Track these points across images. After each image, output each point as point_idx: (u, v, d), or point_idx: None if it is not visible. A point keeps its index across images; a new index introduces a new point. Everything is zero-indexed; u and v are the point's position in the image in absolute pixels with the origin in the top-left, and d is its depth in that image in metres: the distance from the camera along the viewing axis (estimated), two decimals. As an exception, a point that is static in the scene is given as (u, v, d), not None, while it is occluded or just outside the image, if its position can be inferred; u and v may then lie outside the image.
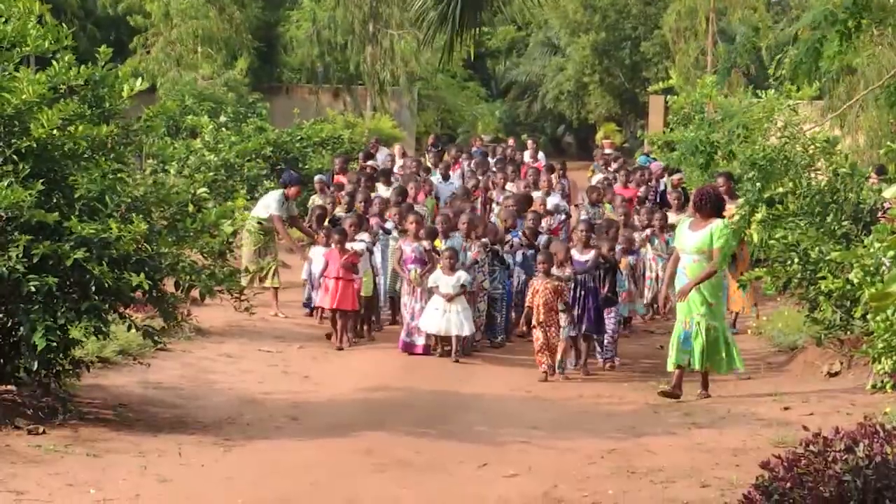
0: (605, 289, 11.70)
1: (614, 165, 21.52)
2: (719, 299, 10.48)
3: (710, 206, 10.32)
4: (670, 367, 10.38)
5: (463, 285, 11.89)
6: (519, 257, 13.09)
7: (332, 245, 12.69)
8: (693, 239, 10.26)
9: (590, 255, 11.70)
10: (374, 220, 13.69)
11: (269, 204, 14.10)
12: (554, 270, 11.39)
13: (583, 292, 11.50)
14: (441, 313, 11.87)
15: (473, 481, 7.81)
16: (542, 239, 13.28)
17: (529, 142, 25.70)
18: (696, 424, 9.37)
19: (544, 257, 11.44)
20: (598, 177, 19.98)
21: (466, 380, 11.23)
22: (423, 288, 12.15)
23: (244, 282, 13.75)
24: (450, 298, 11.84)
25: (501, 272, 12.84)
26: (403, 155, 21.84)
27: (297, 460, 8.20)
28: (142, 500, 7.07)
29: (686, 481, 7.69)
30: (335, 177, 17.40)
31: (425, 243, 12.43)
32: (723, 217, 10.49)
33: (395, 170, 18.80)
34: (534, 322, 11.15)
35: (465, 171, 19.31)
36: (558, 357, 11.29)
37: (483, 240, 12.58)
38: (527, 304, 11.39)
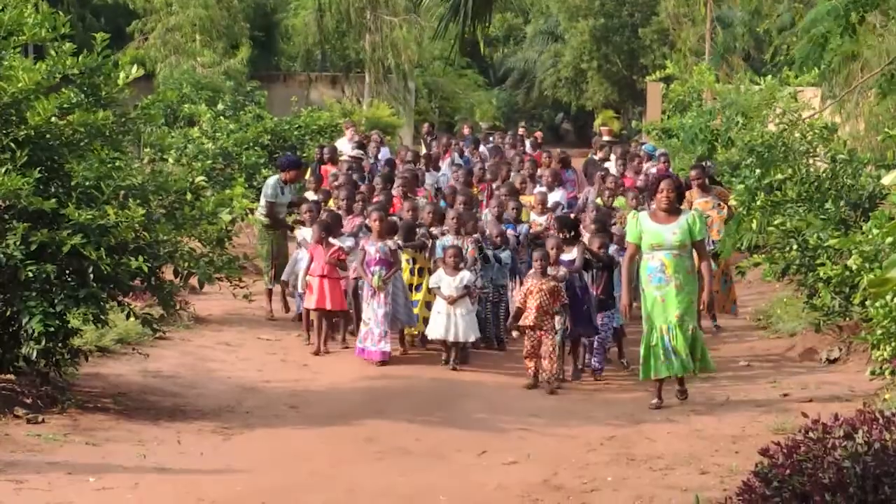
0: (599, 290, 10.83)
1: (600, 154, 20.55)
2: (697, 296, 9.67)
3: (681, 199, 9.82)
4: (645, 377, 9.68)
5: (467, 286, 11.02)
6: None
7: (315, 241, 11.69)
8: (671, 233, 9.47)
9: (572, 253, 10.75)
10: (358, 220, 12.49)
11: (265, 192, 13.34)
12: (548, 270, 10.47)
13: (570, 293, 10.49)
14: (445, 318, 10.98)
15: (473, 468, 7.82)
16: (522, 229, 12.42)
17: (521, 130, 25.43)
18: (695, 411, 9.38)
19: (541, 255, 10.44)
20: (610, 165, 19.06)
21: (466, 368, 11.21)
22: (387, 293, 11.11)
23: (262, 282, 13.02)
24: (452, 301, 10.97)
25: (497, 271, 11.86)
26: (381, 143, 21.30)
27: (297, 448, 8.21)
28: (141, 489, 7.07)
29: (685, 468, 7.69)
30: (320, 167, 16.58)
31: (390, 243, 11.27)
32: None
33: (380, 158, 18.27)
34: (523, 324, 10.31)
35: (455, 161, 18.61)
36: (555, 365, 10.31)
37: (475, 236, 11.67)
38: (517, 304, 10.52)
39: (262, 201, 13.29)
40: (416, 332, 11.78)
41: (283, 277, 12.75)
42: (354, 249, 11.68)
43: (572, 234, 10.97)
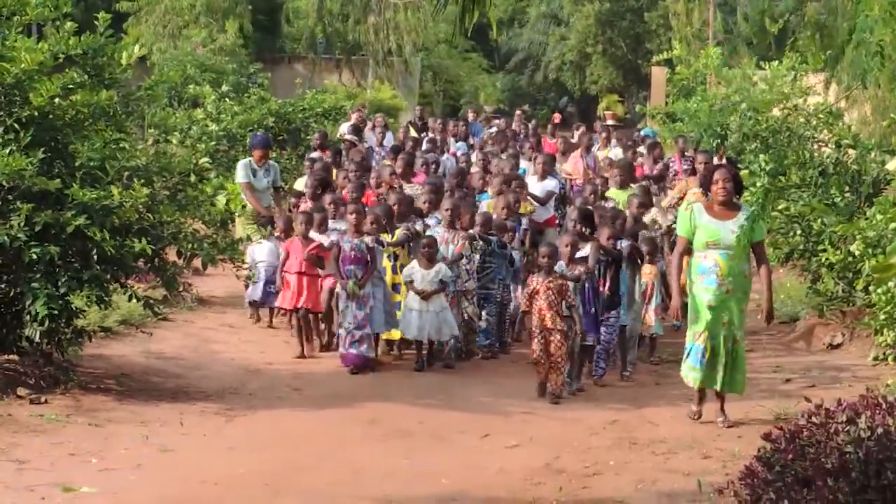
0: (607, 286, 9.80)
1: (590, 139, 19.69)
2: (746, 303, 8.73)
3: (739, 190, 8.78)
4: (697, 385, 8.63)
5: (442, 281, 10.13)
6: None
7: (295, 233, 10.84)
8: (730, 231, 8.37)
9: (584, 249, 9.77)
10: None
11: (236, 176, 12.53)
12: (560, 268, 9.54)
13: (580, 295, 9.64)
14: (417, 315, 10.09)
15: (476, 452, 7.82)
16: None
17: (518, 112, 25.30)
18: (697, 396, 9.37)
19: (548, 251, 9.56)
20: (617, 151, 18.31)
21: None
22: (366, 294, 10.11)
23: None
24: (426, 296, 10.07)
25: (498, 270, 10.88)
26: (386, 128, 20.99)
27: (300, 430, 8.22)
28: (143, 470, 7.07)
29: (688, 453, 7.70)
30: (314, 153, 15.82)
31: (367, 239, 10.18)
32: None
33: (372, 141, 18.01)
34: (534, 330, 9.37)
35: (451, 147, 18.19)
36: (565, 371, 9.45)
37: (469, 232, 10.65)
38: (522, 307, 9.71)
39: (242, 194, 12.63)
40: (396, 338, 10.65)
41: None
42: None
43: (590, 230, 10.05)
